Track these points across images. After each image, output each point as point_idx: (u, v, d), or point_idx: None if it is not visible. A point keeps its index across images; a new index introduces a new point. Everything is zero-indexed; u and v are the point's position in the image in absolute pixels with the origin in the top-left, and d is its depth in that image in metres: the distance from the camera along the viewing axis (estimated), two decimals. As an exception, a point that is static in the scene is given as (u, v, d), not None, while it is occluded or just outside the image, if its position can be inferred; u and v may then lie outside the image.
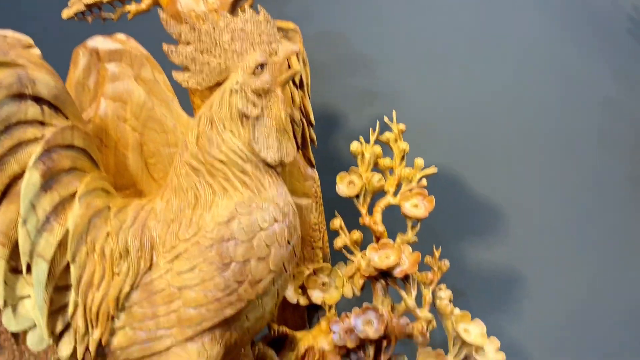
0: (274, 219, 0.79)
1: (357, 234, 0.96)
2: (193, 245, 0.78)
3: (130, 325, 0.78)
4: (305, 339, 0.94)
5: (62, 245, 0.75)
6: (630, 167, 1.20)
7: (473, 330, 0.90)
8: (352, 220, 0.99)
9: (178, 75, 0.81)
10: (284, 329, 0.97)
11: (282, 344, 0.98)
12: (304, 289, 1.00)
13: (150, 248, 0.79)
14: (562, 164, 1.22)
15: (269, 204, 0.80)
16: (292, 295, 0.99)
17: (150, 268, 0.79)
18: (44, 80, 0.74)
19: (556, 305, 1.25)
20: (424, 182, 0.95)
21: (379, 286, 0.93)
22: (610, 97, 1.19)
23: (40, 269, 0.73)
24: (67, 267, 0.76)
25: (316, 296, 0.98)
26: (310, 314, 1.05)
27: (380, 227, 0.94)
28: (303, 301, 0.99)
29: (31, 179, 0.72)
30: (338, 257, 1.02)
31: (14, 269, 0.76)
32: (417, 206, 0.93)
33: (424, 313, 0.89)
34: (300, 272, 1.00)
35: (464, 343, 0.89)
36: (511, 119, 1.20)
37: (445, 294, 0.93)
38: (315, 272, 0.99)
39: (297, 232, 0.83)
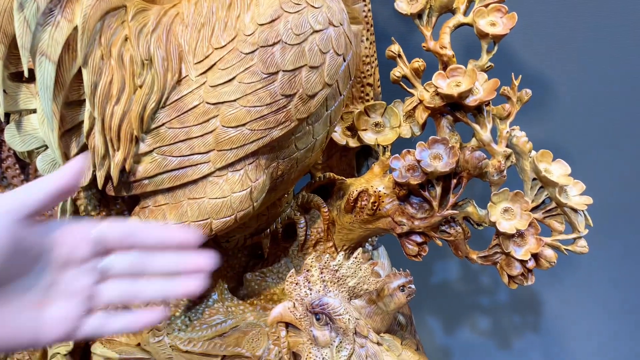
0: (328, 21, 0.64)
1: (418, 62, 0.81)
2: (230, 53, 0.64)
3: (159, 149, 0.65)
4: (357, 183, 0.81)
5: (70, 46, 0.61)
6: None
7: (556, 171, 0.77)
8: (411, 49, 0.84)
9: None
10: (331, 174, 0.84)
11: (327, 192, 0.86)
12: (353, 131, 0.86)
13: (178, 58, 0.65)
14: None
15: (322, 3, 0.65)
16: (339, 136, 0.86)
17: (179, 82, 0.65)
18: None
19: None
20: (503, -5, 0.79)
21: (445, 122, 0.79)
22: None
23: (46, 70, 0.59)
24: (79, 75, 0.62)
25: (368, 137, 0.84)
26: (358, 163, 0.92)
27: (448, 52, 0.79)
28: (353, 143, 0.85)
29: (25, -50, 0.56)
30: (390, 97, 0.87)
31: (15, 76, 0.62)
32: (494, 24, 0.77)
33: (501, 147, 0.75)
34: (349, 111, 0.86)
35: (544, 185, 0.76)
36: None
37: (520, 132, 0.79)
38: (366, 112, 0.85)
39: (353, 48, 0.69)
